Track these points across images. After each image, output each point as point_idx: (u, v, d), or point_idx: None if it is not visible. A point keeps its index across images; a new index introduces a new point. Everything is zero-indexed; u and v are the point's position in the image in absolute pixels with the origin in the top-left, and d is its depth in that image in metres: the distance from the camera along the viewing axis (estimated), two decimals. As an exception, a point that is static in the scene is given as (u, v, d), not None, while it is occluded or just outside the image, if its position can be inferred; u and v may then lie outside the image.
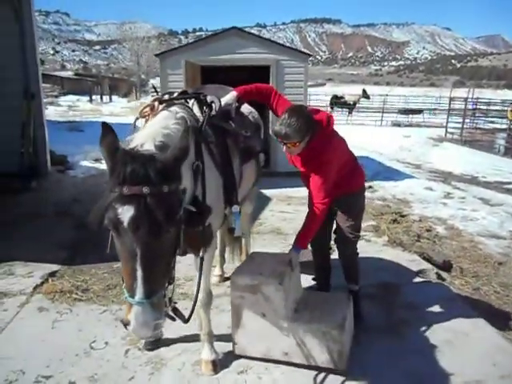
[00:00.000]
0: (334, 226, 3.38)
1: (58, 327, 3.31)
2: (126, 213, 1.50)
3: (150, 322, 1.61)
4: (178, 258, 2.88)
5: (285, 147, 2.82)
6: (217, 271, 4.04)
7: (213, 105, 2.67)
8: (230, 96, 2.87)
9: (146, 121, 2.53)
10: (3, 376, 2.73)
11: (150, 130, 2.06)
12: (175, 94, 2.75)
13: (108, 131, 1.63)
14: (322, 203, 2.86)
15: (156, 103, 2.56)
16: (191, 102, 2.70)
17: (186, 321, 2.18)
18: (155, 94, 3.06)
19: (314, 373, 2.76)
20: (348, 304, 2.95)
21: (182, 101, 2.65)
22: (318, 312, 2.82)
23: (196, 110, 2.64)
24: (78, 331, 3.23)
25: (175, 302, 2.04)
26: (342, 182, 3.07)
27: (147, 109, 2.57)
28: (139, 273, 1.57)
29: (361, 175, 3.31)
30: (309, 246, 3.24)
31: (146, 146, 1.84)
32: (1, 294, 3.77)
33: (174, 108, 2.43)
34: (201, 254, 2.43)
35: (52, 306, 3.61)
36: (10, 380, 2.70)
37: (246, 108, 3.53)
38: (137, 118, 2.66)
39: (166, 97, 2.69)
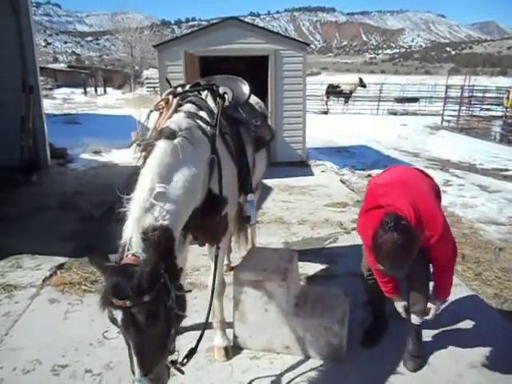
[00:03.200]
0: None
1: (70, 318, 3.36)
2: (117, 316, 1.71)
3: None
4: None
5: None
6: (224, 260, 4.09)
7: (225, 96, 2.71)
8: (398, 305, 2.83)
9: (161, 114, 2.56)
10: (20, 366, 2.79)
11: (142, 197, 1.92)
12: (187, 87, 2.78)
13: (92, 252, 1.76)
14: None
15: (170, 97, 2.58)
16: (204, 93, 2.72)
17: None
18: (152, 89, 3.07)
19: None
20: (346, 299, 3.03)
21: (196, 93, 2.68)
22: (318, 307, 2.91)
23: (210, 101, 2.67)
24: (90, 321, 3.28)
25: (176, 361, 2.04)
26: None
27: (162, 102, 2.60)
28: (135, 358, 1.77)
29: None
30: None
31: (133, 244, 1.81)
32: (11, 286, 3.82)
33: (182, 118, 2.38)
34: (221, 244, 2.51)
35: (63, 297, 3.66)
36: (28, 370, 2.76)
37: (252, 99, 3.58)
38: (151, 111, 2.69)
39: (180, 89, 2.71)
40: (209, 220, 2.40)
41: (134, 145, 2.34)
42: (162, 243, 1.79)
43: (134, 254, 1.78)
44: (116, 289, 1.66)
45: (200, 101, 2.60)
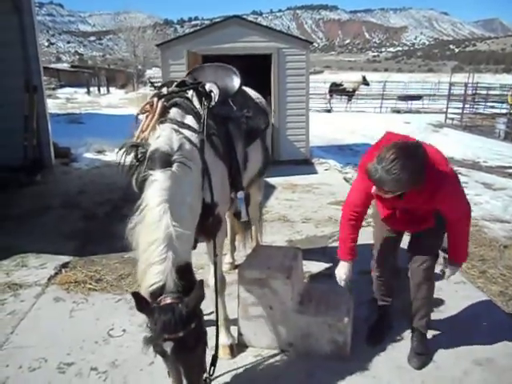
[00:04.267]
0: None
1: (75, 316, 3.38)
2: (167, 347, 1.90)
3: None
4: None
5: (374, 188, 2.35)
6: (227, 259, 4.10)
7: (212, 94, 2.65)
8: (346, 268, 2.71)
9: (147, 117, 2.52)
10: (26, 364, 2.80)
11: (166, 243, 2.04)
12: (173, 85, 2.68)
13: (139, 299, 1.94)
14: (469, 210, 2.55)
15: (155, 99, 2.51)
16: (190, 92, 2.65)
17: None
18: (152, 88, 2.99)
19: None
20: (350, 297, 3.03)
21: (182, 93, 2.60)
22: (323, 305, 2.92)
23: (196, 102, 2.61)
24: (95, 320, 3.30)
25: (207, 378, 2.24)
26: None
27: (147, 106, 2.54)
28: (184, 381, 1.97)
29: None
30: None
31: (169, 287, 1.99)
32: (16, 285, 3.84)
33: (170, 133, 2.32)
34: (217, 240, 2.59)
35: (68, 296, 3.68)
36: (34, 367, 2.78)
37: (252, 93, 3.57)
38: (137, 115, 2.63)
39: (164, 90, 2.64)
40: (202, 222, 2.41)
41: (122, 148, 2.32)
42: (190, 282, 2.02)
43: (171, 296, 1.97)
44: (166, 326, 1.88)
45: (186, 103, 2.54)
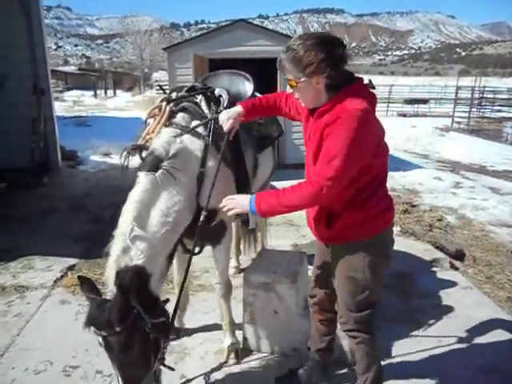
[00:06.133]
0: None
1: (80, 319, 3.33)
2: (98, 339, 1.90)
3: None
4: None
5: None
6: (233, 263, 4.09)
7: (221, 99, 2.63)
8: (233, 112, 2.37)
9: (154, 120, 2.53)
10: (32, 366, 2.81)
11: (120, 240, 2.01)
12: (183, 91, 2.68)
13: (83, 282, 1.93)
14: (326, 184, 1.82)
15: (163, 104, 2.52)
16: (199, 97, 2.65)
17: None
18: (161, 91, 2.99)
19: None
20: None
21: (190, 98, 2.60)
22: None
23: (204, 106, 2.62)
24: (100, 322, 3.30)
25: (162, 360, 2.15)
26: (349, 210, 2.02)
27: (155, 110, 2.55)
28: (118, 377, 1.94)
29: (383, 214, 2.07)
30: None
31: (110, 283, 1.94)
32: (22, 287, 3.86)
33: (171, 138, 2.34)
34: (221, 245, 2.65)
35: (73, 298, 3.69)
36: (39, 370, 2.78)
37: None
38: (146, 119, 2.65)
39: (173, 95, 2.64)
40: (198, 227, 2.38)
41: (125, 150, 2.31)
42: (134, 282, 1.89)
43: (111, 293, 1.92)
44: (92, 320, 1.88)
45: (193, 107, 2.54)
